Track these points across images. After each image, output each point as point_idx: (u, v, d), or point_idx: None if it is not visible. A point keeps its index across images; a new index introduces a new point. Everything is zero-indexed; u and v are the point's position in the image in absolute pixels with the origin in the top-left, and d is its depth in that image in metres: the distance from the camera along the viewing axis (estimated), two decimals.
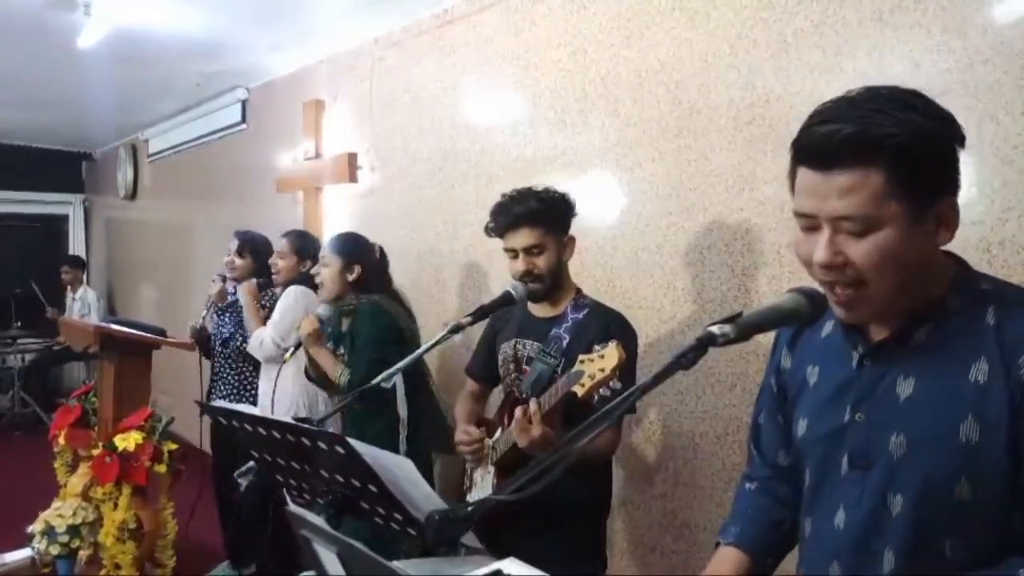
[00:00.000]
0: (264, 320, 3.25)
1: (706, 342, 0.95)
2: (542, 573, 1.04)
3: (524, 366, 2.00)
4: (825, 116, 0.95)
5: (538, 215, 1.92)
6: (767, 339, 1.25)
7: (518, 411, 1.68)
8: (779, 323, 1.07)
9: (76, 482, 2.91)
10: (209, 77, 4.83)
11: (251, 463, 1.55)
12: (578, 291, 2.05)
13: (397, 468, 1.26)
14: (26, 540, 2.63)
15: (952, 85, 1.81)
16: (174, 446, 2.76)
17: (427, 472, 2.72)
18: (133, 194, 7.01)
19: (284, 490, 1.50)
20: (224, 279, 3.57)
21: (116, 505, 2.65)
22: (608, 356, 1.54)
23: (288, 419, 2.78)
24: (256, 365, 3.37)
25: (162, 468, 2.69)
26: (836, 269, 0.97)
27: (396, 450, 2.54)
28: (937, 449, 0.98)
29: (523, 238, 1.93)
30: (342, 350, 2.66)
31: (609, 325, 1.92)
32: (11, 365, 6.90)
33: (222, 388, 3.50)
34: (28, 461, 4.18)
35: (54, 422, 3.10)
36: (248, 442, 1.47)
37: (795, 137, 0.99)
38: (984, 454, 0.96)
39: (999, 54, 1.74)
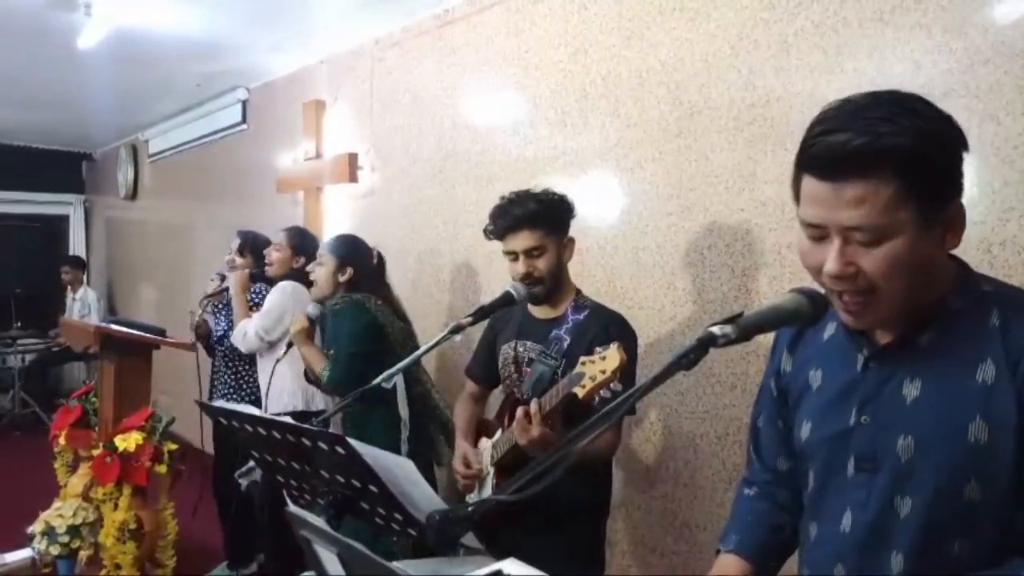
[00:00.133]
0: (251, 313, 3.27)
1: (707, 342, 0.95)
2: (542, 573, 1.04)
3: (524, 367, 2.00)
4: (831, 125, 0.94)
5: (537, 217, 1.92)
6: (767, 339, 1.25)
7: (519, 411, 1.68)
8: (780, 323, 1.06)
9: (76, 482, 2.91)
10: (209, 77, 4.84)
11: (251, 463, 1.55)
12: (578, 292, 2.05)
13: (398, 468, 1.26)
14: (26, 540, 2.63)
15: (953, 85, 1.81)
16: (174, 446, 2.76)
17: (428, 472, 2.72)
18: (133, 194, 7.01)
19: (284, 491, 1.50)
20: (223, 278, 3.57)
21: (116, 505, 2.65)
22: (609, 358, 1.53)
23: (286, 416, 2.82)
24: (252, 361, 3.38)
25: (162, 468, 2.69)
26: (847, 279, 0.97)
27: (397, 450, 2.55)
28: (946, 450, 0.99)
29: (523, 240, 1.93)
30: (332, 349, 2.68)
31: (609, 326, 1.92)
32: (11, 365, 6.90)
33: (221, 386, 3.51)
34: (28, 461, 4.18)
35: (54, 422, 3.10)
36: (248, 442, 1.47)
37: (800, 146, 0.98)
38: (993, 455, 0.96)
39: (1000, 54, 1.74)
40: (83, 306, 6.75)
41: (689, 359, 0.94)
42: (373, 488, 1.26)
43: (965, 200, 0.98)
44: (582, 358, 1.59)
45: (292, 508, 1.01)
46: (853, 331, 1.08)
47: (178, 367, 3.64)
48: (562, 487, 0.93)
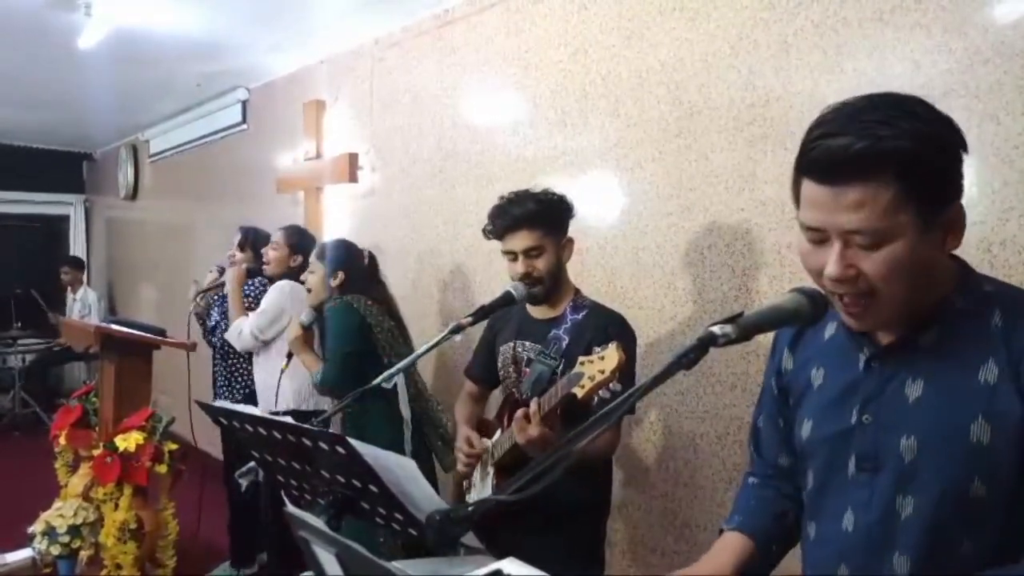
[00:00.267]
0: (248, 310, 3.27)
1: (707, 342, 0.95)
2: (542, 573, 1.04)
3: (524, 367, 2.00)
4: (830, 129, 0.94)
5: (536, 217, 1.92)
6: (768, 339, 1.25)
7: (519, 411, 1.68)
8: (780, 323, 1.06)
9: (77, 482, 2.91)
10: (209, 77, 4.84)
11: (251, 463, 1.55)
12: (577, 292, 2.05)
13: (398, 468, 1.26)
14: (27, 540, 2.63)
15: (953, 85, 1.81)
16: (175, 446, 2.76)
17: (429, 472, 2.73)
18: (134, 194, 7.01)
19: (284, 491, 1.50)
20: (222, 271, 3.59)
21: (117, 505, 2.64)
22: (608, 358, 1.53)
23: (286, 415, 2.82)
24: (247, 356, 3.38)
25: (163, 468, 2.69)
26: (848, 282, 0.97)
27: (400, 450, 2.56)
28: (948, 450, 0.99)
29: (522, 240, 1.93)
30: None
31: (608, 326, 1.92)
32: (12, 365, 6.90)
33: (219, 382, 3.53)
34: (29, 461, 4.18)
35: (55, 422, 3.10)
36: (248, 442, 1.47)
37: (799, 150, 0.98)
38: (996, 454, 0.97)
39: (1000, 54, 1.74)
40: (83, 306, 6.75)
41: (689, 359, 0.95)
42: (373, 488, 1.26)
43: (965, 200, 0.98)
44: (581, 358, 1.59)
45: (291, 508, 1.01)
46: (855, 331, 1.08)
47: (178, 367, 3.64)
48: (562, 487, 0.93)
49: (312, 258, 2.84)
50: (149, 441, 2.67)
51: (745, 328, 0.97)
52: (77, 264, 7.11)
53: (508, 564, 1.03)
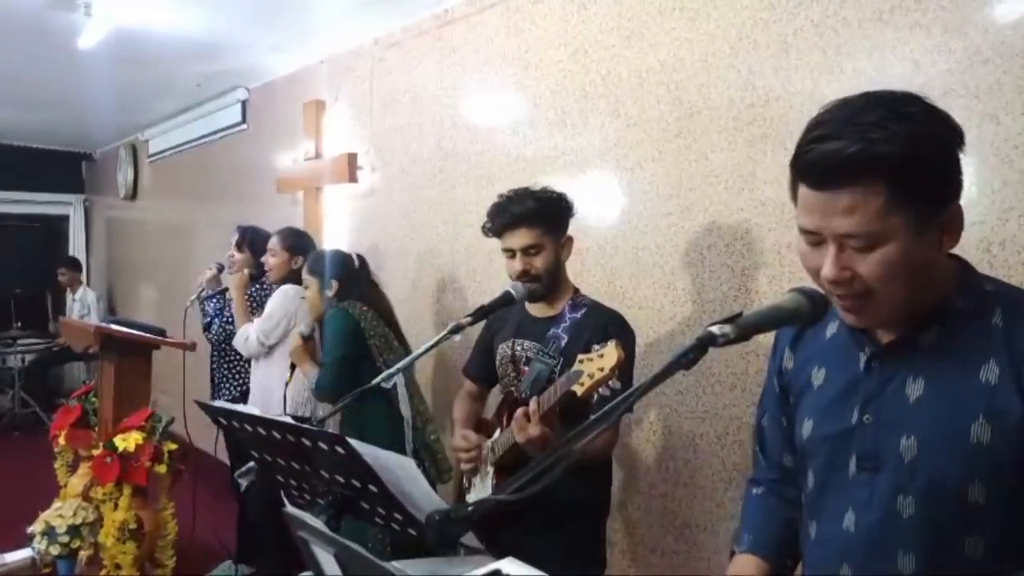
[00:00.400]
0: (252, 314, 3.28)
1: (706, 342, 0.95)
2: (541, 573, 1.04)
3: (522, 366, 2.00)
4: (823, 131, 0.95)
5: (535, 215, 1.92)
6: (767, 339, 1.25)
7: (519, 410, 1.68)
8: (780, 323, 1.06)
9: (76, 482, 2.91)
10: (209, 77, 4.83)
11: (251, 463, 1.55)
12: (576, 291, 2.05)
13: (398, 468, 1.26)
14: (26, 540, 2.63)
15: (952, 85, 1.80)
16: (174, 446, 2.76)
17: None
18: (133, 194, 7.01)
19: (283, 491, 1.50)
20: (221, 269, 3.60)
21: (116, 505, 2.64)
22: (607, 355, 1.53)
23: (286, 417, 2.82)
24: (240, 355, 3.40)
25: (162, 468, 2.69)
26: (844, 283, 0.98)
27: (401, 449, 2.56)
28: (948, 450, 0.99)
29: (520, 238, 1.93)
30: None
31: (607, 325, 1.92)
32: (11, 365, 6.89)
33: (216, 380, 3.54)
34: (28, 461, 4.17)
35: (54, 422, 3.10)
36: (248, 442, 1.47)
37: (795, 152, 0.99)
38: (996, 455, 0.96)
39: (999, 54, 1.74)
40: (83, 306, 6.75)
41: (688, 359, 0.95)
42: (373, 488, 1.26)
43: (964, 200, 0.98)
44: (580, 356, 1.59)
45: (289, 509, 1.01)
46: (855, 330, 1.08)
47: (178, 367, 3.65)
48: (561, 487, 0.93)
49: (304, 274, 2.89)
50: (148, 441, 2.67)
51: (744, 328, 0.97)
52: (74, 265, 7.11)
53: (508, 564, 1.03)
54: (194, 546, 3.19)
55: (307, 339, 2.80)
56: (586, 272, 2.63)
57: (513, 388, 2.01)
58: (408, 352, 2.64)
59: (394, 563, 0.84)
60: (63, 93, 5.30)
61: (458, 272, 3.36)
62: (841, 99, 0.98)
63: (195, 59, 4.41)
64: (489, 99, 3.19)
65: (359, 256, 2.92)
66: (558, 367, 1.88)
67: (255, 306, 3.36)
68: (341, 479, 1.31)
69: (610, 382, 1.58)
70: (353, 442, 1.22)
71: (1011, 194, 1.73)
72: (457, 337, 1.86)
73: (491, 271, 3.13)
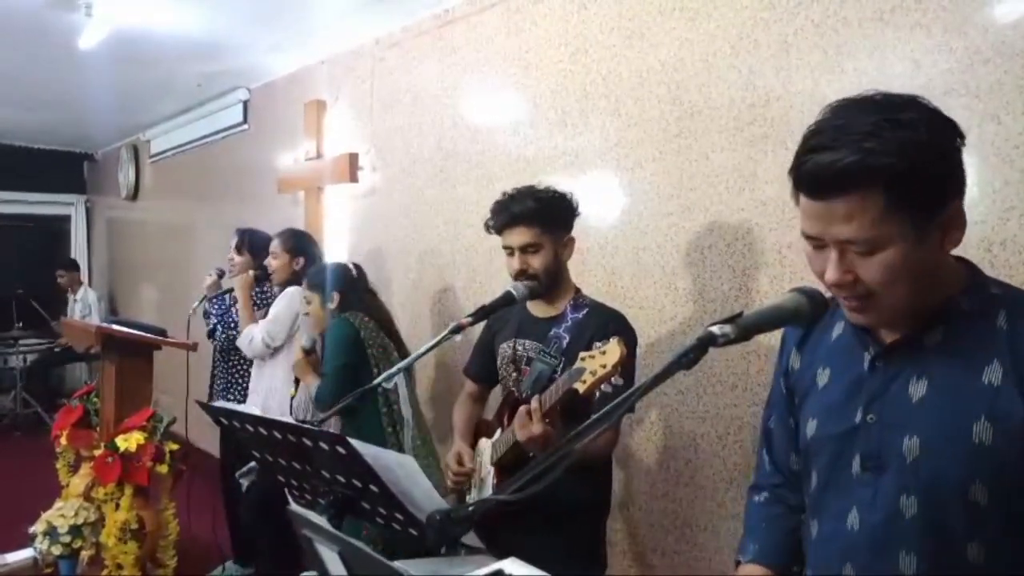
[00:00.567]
0: (258, 316, 3.29)
1: (707, 342, 0.96)
2: (542, 573, 1.04)
3: (524, 366, 2.00)
4: (820, 141, 0.96)
5: (535, 214, 1.93)
6: (768, 339, 1.26)
7: (521, 409, 1.68)
8: (780, 323, 1.07)
9: (78, 482, 2.92)
10: (210, 77, 4.84)
11: (252, 463, 1.55)
12: (577, 291, 2.05)
13: (399, 468, 1.26)
14: (28, 540, 2.63)
15: (953, 85, 1.81)
16: (175, 446, 2.76)
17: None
18: (135, 195, 7.01)
19: (286, 490, 1.50)
20: (222, 274, 3.60)
21: (118, 505, 2.65)
22: (610, 352, 1.53)
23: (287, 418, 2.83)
24: (246, 358, 3.39)
25: (164, 468, 2.69)
26: (846, 286, 0.99)
27: (401, 450, 2.56)
28: (950, 450, 0.99)
29: (519, 236, 1.93)
30: None
31: (608, 324, 1.91)
32: (13, 366, 6.90)
33: (217, 381, 3.53)
34: (30, 461, 4.18)
35: (56, 422, 3.11)
36: (249, 442, 1.47)
37: (793, 160, 1.00)
38: (998, 456, 0.97)
39: (1000, 54, 1.74)
40: (84, 307, 6.76)
41: (689, 359, 0.95)
42: (374, 488, 1.26)
43: (965, 200, 0.99)
44: (582, 353, 1.58)
45: (293, 507, 1.01)
46: (860, 330, 1.09)
47: (179, 367, 3.65)
48: (562, 486, 0.94)
49: (304, 290, 2.89)
50: (150, 441, 2.68)
51: (745, 328, 0.98)
52: (72, 266, 7.10)
53: (509, 564, 1.03)
54: (195, 546, 3.19)
55: (309, 352, 2.80)
56: (587, 272, 2.63)
57: (514, 388, 2.01)
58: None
59: (397, 563, 0.84)
60: (64, 93, 5.30)
61: (459, 272, 3.36)
62: (839, 103, 0.99)
63: (196, 59, 4.41)
64: (490, 99, 3.19)
65: (356, 265, 2.93)
66: (559, 367, 1.88)
67: (257, 309, 3.36)
68: (342, 479, 1.31)
69: (612, 379, 1.58)
70: (354, 442, 1.22)
71: (1012, 194, 1.73)
72: (458, 337, 1.86)
73: (492, 271, 3.14)
